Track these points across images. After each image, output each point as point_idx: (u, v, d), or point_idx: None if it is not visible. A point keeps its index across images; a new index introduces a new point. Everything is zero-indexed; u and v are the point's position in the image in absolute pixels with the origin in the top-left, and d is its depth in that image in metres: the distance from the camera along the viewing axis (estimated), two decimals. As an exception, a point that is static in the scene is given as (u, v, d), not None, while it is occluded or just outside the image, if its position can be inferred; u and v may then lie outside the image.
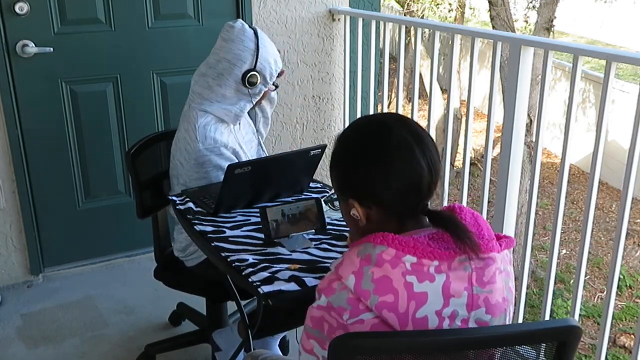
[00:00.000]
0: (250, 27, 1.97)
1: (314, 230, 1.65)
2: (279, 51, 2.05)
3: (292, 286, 1.41)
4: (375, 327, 1.05)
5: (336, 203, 1.76)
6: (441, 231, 1.11)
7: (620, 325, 6.22)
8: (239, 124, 2.08)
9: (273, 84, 2.03)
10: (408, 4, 11.12)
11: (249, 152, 2.10)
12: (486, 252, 1.10)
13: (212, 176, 1.93)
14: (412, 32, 3.01)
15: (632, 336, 5.68)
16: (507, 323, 1.16)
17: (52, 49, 2.68)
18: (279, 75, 2.03)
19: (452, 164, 8.43)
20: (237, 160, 1.96)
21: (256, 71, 1.94)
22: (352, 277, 1.06)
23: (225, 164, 1.83)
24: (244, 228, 1.70)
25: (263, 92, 2.01)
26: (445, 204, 2.58)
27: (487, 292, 1.10)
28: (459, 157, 9.04)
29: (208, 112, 1.96)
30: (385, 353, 1.02)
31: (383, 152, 1.12)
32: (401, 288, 1.05)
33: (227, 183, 1.70)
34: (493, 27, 6.97)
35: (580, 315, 2.63)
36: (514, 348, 1.08)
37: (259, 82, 1.96)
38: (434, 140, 1.20)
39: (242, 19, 1.96)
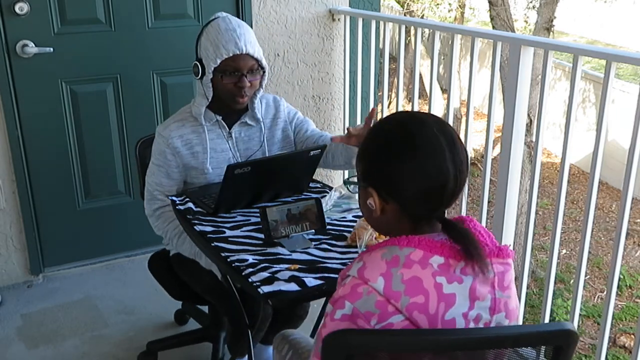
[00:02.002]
0: (219, 16, 1.89)
1: (314, 231, 1.65)
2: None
3: (292, 286, 1.41)
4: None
5: (354, 187, 1.74)
6: (461, 248, 1.09)
7: (620, 325, 6.21)
8: (218, 129, 1.98)
9: (229, 73, 1.85)
10: (408, 4, 11.12)
11: (214, 159, 1.97)
12: (505, 257, 1.11)
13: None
14: (412, 32, 3.01)
15: (632, 336, 5.67)
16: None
17: (52, 49, 2.68)
18: (253, 67, 1.86)
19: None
20: (170, 156, 1.93)
21: (197, 60, 1.89)
22: (382, 280, 1.04)
23: (157, 157, 1.93)
24: (244, 228, 1.70)
25: (211, 81, 1.87)
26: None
27: (506, 297, 1.11)
28: (459, 157, 9.02)
29: (183, 110, 2.00)
30: (375, 350, 1.03)
31: (415, 149, 1.09)
32: (431, 289, 1.04)
33: (227, 183, 1.69)
34: (493, 27, 6.97)
35: (580, 315, 2.63)
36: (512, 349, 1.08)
37: (200, 71, 1.88)
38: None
39: (242, 19, 1.95)
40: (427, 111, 2.62)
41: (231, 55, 1.82)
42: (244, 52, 1.83)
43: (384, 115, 1.27)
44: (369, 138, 1.17)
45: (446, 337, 1.04)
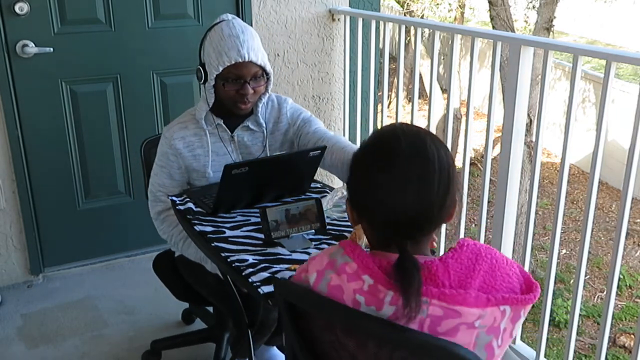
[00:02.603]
0: (223, 19, 1.86)
1: (313, 231, 1.65)
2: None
3: (292, 286, 1.41)
4: None
5: None
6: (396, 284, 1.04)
7: (620, 325, 6.22)
8: (218, 133, 1.97)
9: (231, 81, 1.83)
10: (408, 4, 11.12)
11: (216, 162, 1.96)
12: (452, 303, 1.01)
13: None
14: (412, 32, 3.01)
15: (632, 336, 5.67)
16: None
17: (52, 49, 2.68)
18: (255, 74, 1.84)
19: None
20: (172, 157, 1.93)
21: (200, 65, 1.89)
22: (315, 276, 1.10)
23: (160, 158, 1.93)
24: (244, 228, 1.70)
25: (214, 88, 1.86)
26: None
27: None
28: (459, 157, 9.04)
29: (188, 112, 2.00)
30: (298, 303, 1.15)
31: (380, 175, 1.07)
32: (349, 303, 1.05)
33: (225, 183, 1.69)
34: (493, 27, 6.97)
35: (580, 315, 2.64)
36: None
37: (202, 76, 1.87)
38: (451, 164, 1.10)
39: (242, 19, 1.93)
40: (426, 111, 2.63)
41: (233, 62, 1.79)
42: (247, 59, 1.80)
43: (385, 120, 1.25)
44: (357, 151, 1.15)
45: (362, 321, 1.04)
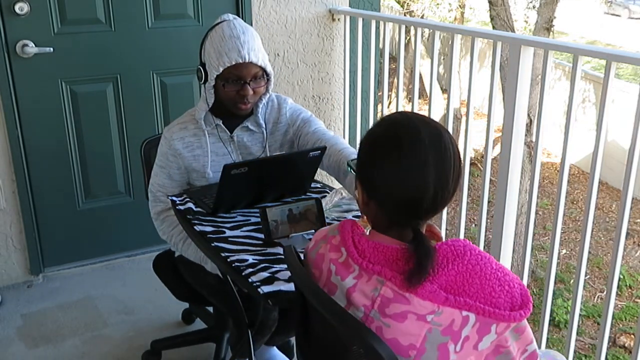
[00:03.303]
0: (226, 19, 1.86)
1: (313, 231, 1.65)
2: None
3: (292, 286, 1.41)
4: None
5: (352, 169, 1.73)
6: (409, 251, 1.08)
7: (620, 325, 6.22)
8: (218, 133, 1.96)
9: (232, 81, 1.83)
10: (408, 4, 11.12)
11: (215, 163, 1.95)
12: (402, 289, 1.04)
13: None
14: (412, 32, 3.00)
15: (632, 336, 5.68)
16: None
17: (52, 49, 2.68)
18: (254, 75, 1.84)
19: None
20: (172, 157, 1.93)
21: (200, 65, 1.88)
22: (312, 243, 1.24)
23: (160, 158, 1.94)
24: (244, 228, 1.70)
25: (214, 88, 1.86)
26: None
27: (382, 324, 1.07)
28: (459, 157, 9.02)
29: (188, 113, 1.99)
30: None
31: (399, 156, 1.09)
32: (325, 270, 1.17)
33: (224, 183, 1.69)
34: (493, 27, 6.97)
35: (580, 315, 2.64)
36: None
37: (203, 76, 1.86)
38: (458, 149, 1.14)
39: (242, 19, 1.93)
40: (427, 111, 2.63)
41: (234, 63, 1.79)
42: (247, 60, 1.80)
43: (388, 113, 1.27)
44: (369, 131, 1.18)
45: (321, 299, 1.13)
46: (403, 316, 1.05)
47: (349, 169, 1.71)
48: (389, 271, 1.07)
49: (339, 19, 3.20)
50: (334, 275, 1.14)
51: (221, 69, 1.80)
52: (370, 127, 1.22)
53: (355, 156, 1.35)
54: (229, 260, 1.54)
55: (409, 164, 1.08)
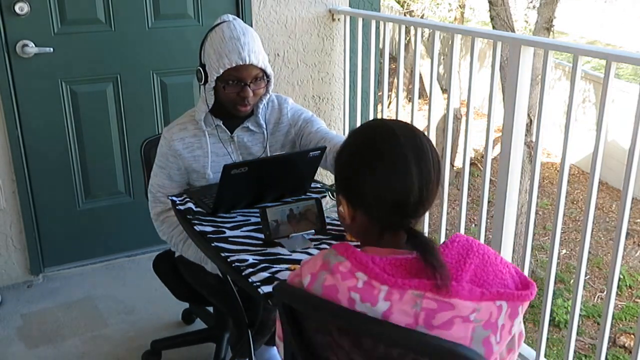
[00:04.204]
0: (226, 20, 1.85)
1: (313, 231, 1.65)
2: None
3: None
4: None
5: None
6: (419, 257, 1.07)
7: (620, 325, 6.22)
8: (217, 134, 1.96)
9: (232, 83, 1.82)
10: (408, 4, 11.12)
11: (215, 163, 1.94)
12: (446, 296, 1.03)
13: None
14: (412, 32, 3.00)
15: (632, 336, 5.68)
16: None
17: (52, 49, 2.68)
18: (255, 77, 1.84)
19: (452, 164, 8.42)
20: (172, 158, 1.93)
21: (200, 66, 1.88)
22: (308, 278, 1.12)
23: (160, 159, 1.93)
24: (244, 228, 1.70)
25: (214, 89, 1.85)
26: (445, 204, 2.58)
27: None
28: (459, 157, 9.04)
29: (188, 114, 1.99)
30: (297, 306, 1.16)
31: (380, 160, 1.11)
32: (344, 302, 1.07)
33: (224, 183, 1.69)
34: (493, 27, 6.97)
35: (580, 315, 2.63)
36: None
37: (202, 77, 1.86)
38: (434, 146, 1.18)
39: (242, 19, 1.93)
40: (426, 111, 2.63)
41: (234, 65, 1.79)
42: (248, 62, 1.80)
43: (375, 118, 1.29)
44: (343, 145, 1.19)
45: (362, 321, 1.05)
46: (450, 323, 1.03)
47: (329, 194, 1.74)
48: (424, 282, 1.03)
49: (339, 19, 3.20)
50: (360, 303, 1.05)
51: (221, 71, 1.80)
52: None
53: None
54: (229, 260, 1.54)
55: (391, 163, 1.10)
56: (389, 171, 1.10)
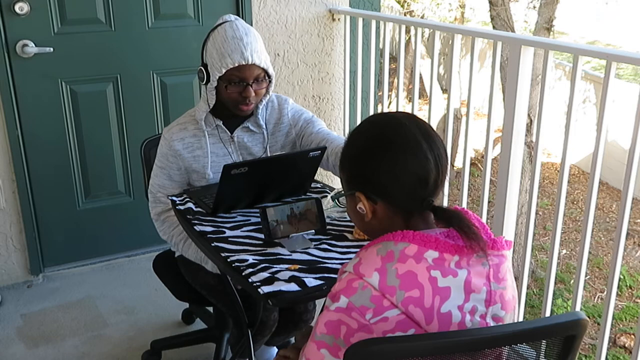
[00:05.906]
0: (228, 20, 1.85)
1: (313, 231, 1.65)
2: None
3: (292, 286, 1.41)
4: (400, 324, 1.05)
5: (343, 200, 1.75)
6: (448, 230, 1.12)
7: (620, 325, 6.22)
8: (218, 134, 1.96)
9: (234, 83, 1.83)
10: (408, 4, 11.12)
11: (215, 163, 1.95)
12: (500, 249, 1.13)
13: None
14: (412, 32, 3.00)
15: (632, 336, 5.68)
16: (516, 319, 1.18)
17: (52, 49, 2.68)
18: (258, 76, 1.84)
19: (452, 164, 8.42)
20: (172, 158, 1.93)
21: (202, 66, 1.88)
22: (376, 275, 1.06)
23: (160, 159, 1.93)
24: (244, 228, 1.70)
25: (215, 89, 1.86)
26: (445, 204, 2.58)
27: (502, 289, 1.12)
28: (459, 157, 9.04)
29: (188, 113, 1.99)
30: (405, 357, 1.01)
31: (392, 145, 1.12)
32: (426, 283, 1.06)
33: (224, 183, 1.69)
34: (493, 27, 6.96)
35: (580, 315, 2.62)
36: (515, 349, 1.08)
37: (204, 76, 1.86)
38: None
39: (243, 19, 1.93)
40: (427, 111, 2.64)
41: (237, 65, 1.80)
42: (250, 62, 1.80)
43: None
44: (346, 145, 1.20)
45: (465, 338, 1.03)
46: (508, 273, 1.15)
47: (335, 202, 1.74)
48: (481, 241, 1.09)
49: (339, 19, 3.20)
50: (442, 279, 1.06)
51: (224, 71, 1.80)
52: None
53: None
54: (229, 260, 1.54)
55: (403, 146, 1.12)
56: (404, 155, 1.11)
